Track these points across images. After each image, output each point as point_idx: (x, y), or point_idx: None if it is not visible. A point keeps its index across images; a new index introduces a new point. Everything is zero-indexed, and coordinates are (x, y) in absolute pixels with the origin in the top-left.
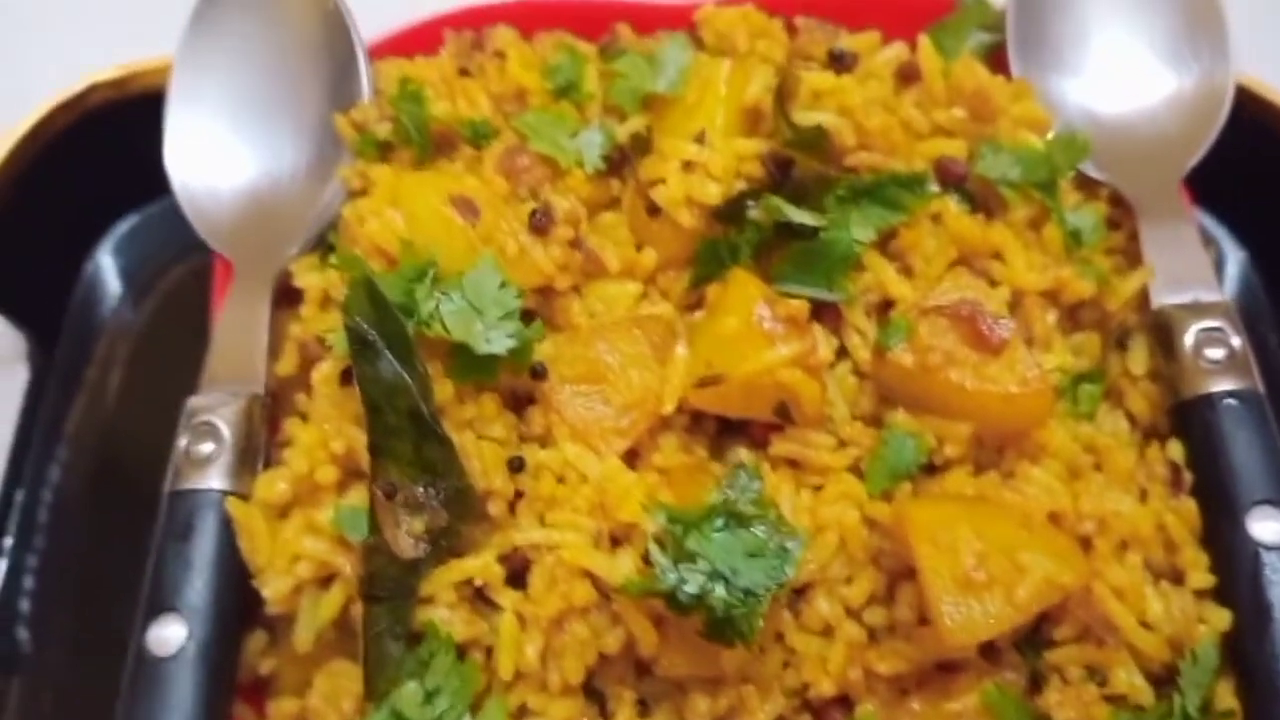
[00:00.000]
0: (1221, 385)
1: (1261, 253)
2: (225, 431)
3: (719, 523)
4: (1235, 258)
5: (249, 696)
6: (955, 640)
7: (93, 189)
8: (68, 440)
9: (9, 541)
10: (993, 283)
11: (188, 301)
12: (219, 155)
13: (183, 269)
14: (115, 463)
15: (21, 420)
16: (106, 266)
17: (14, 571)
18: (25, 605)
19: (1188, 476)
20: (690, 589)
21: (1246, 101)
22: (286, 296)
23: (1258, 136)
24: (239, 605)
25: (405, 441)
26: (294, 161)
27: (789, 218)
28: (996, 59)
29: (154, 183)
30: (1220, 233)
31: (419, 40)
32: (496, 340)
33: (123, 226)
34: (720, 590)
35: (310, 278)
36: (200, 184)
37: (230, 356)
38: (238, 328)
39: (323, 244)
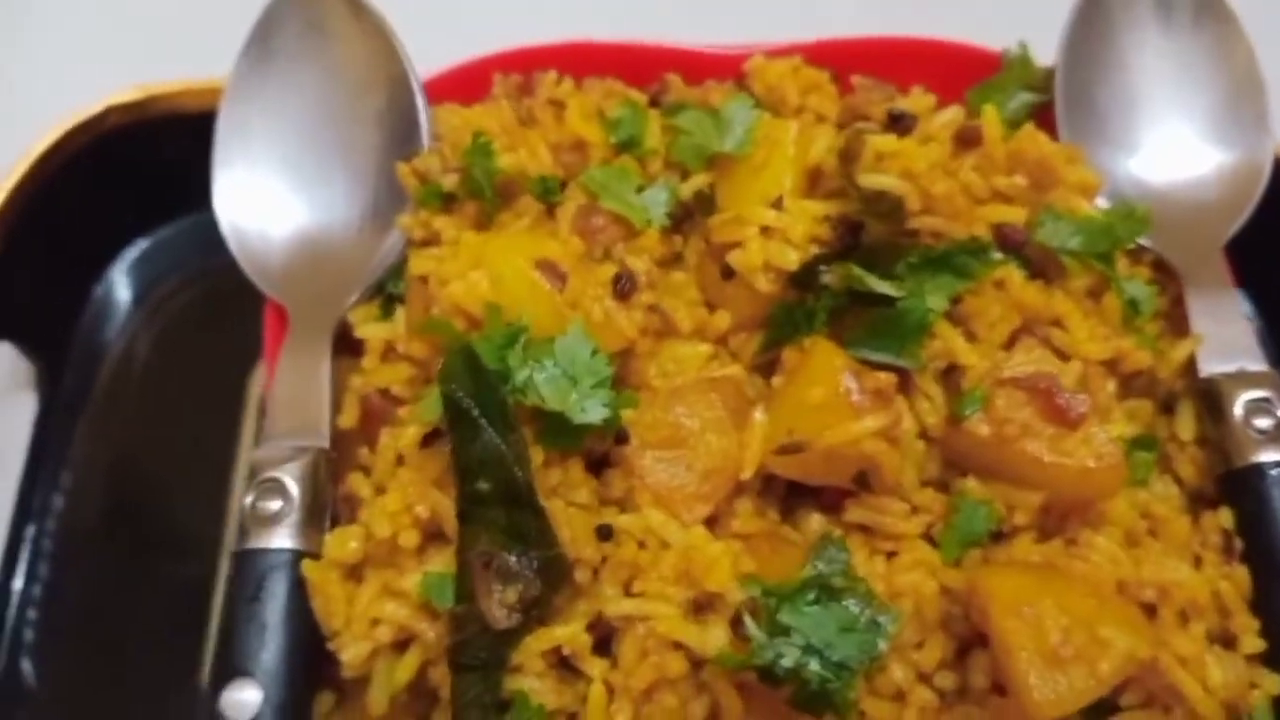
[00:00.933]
0: (1271, 455)
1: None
2: (293, 489)
3: (811, 596)
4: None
5: None
6: (1044, 714)
7: (106, 211)
8: (74, 467)
9: (17, 582)
10: (1056, 351)
11: (196, 326)
12: (271, 198)
13: (192, 293)
14: (121, 490)
15: (31, 450)
16: (116, 289)
17: (21, 604)
18: (30, 636)
19: (1239, 543)
20: (786, 663)
21: None
22: (342, 346)
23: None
24: (311, 667)
25: (498, 510)
26: (350, 207)
27: (868, 286)
28: (1040, 119)
29: (166, 205)
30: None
31: (466, 81)
32: (592, 409)
33: (133, 250)
34: (815, 664)
35: (371, 329)
36: (252, 227)
37: (292, 409)
38: (297, 379)
39: (381, 293)
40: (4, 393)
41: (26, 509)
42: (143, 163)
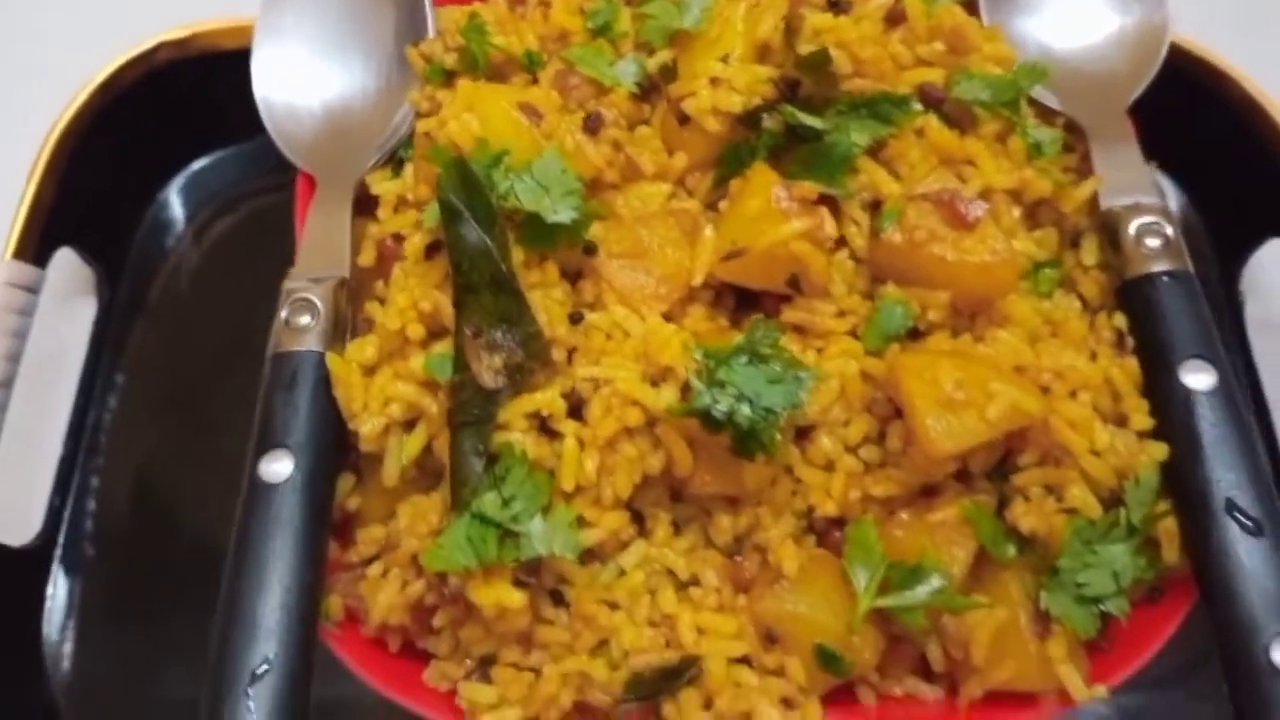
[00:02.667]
0: (1159, 266)
1: (1199, 196)
2: (320, 305)
3: (744, 358)
4: (1178, 202)
5: (336, 532)
6: (937, 449)
7: (157, 137)
8: (129, 368)
9: (81, 456)
10: (966, 183)
11: (243, 242)
12: (300, 79)
13: (238, 213)
14: (171, 390)
15: (90, 348)
16: (169, 208)
17: (83, 490)
18: (89, 523)
19: (1130, 340)
20: (721, 408)
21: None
22: (361, 205)
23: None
24: (336, 444)
25: (486, 297)
26: (367, 86)
27: (800, 121)
28: (970, 5)
29: (213, 134)
30: (1162, 179)
31: None
32: (563, 211)
33: (183, 174)
34: (746, 409)
35: (385, 185)
36: (282, 104)
37: (318, 251)
38: (323, 228)
39: (394, 159)
40: (67, 295)
41: (88, 395)
42: (191, 94)
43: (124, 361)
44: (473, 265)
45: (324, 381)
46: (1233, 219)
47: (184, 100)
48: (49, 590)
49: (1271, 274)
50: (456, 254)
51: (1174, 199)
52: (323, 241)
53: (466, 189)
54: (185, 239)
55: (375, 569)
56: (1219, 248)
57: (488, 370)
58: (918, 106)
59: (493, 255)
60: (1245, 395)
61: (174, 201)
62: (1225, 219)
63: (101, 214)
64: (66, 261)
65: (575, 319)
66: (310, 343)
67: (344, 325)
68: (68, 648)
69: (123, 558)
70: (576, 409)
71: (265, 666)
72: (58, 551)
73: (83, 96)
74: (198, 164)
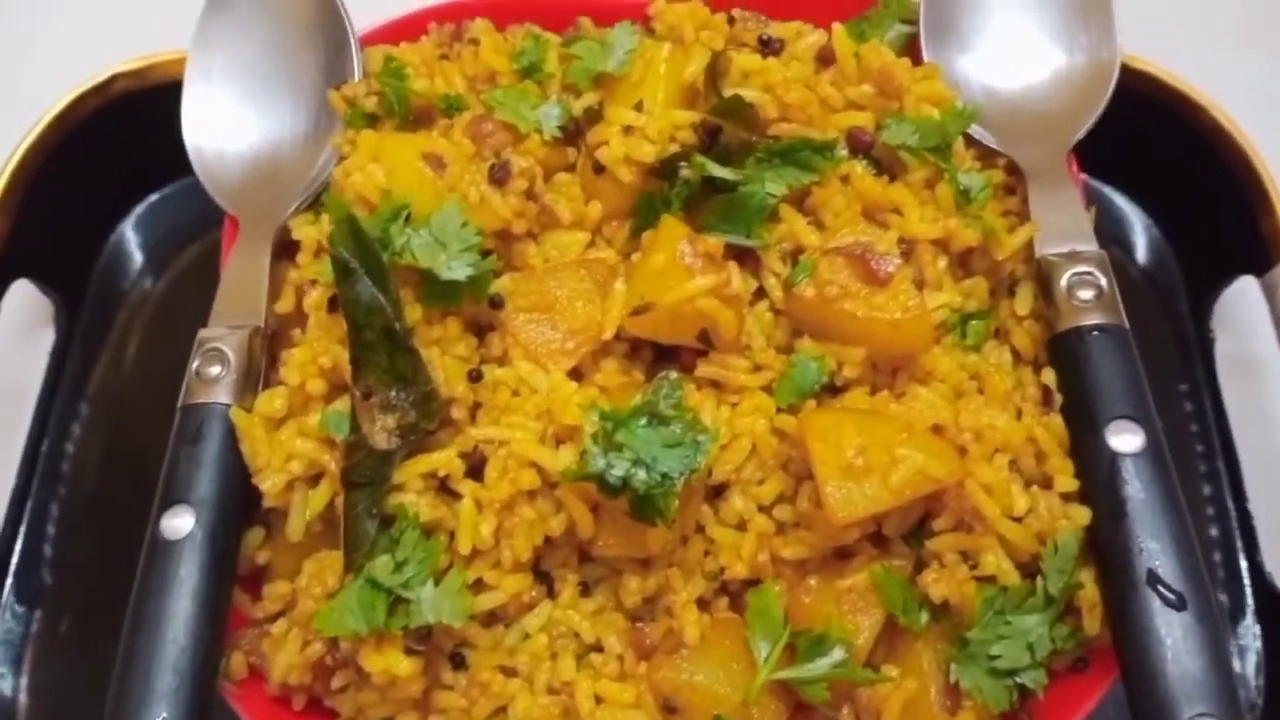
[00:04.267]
0: (1090, 320)
1: (1172, 229)
2: (231, 356)
3: (643, 420)
4: (1151, 234)
5: (247, 586)
6: (837, 517)
7: (116, 168)
8: (89, 400)
9: (35, 488)
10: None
11: (202, 274)
12: (228, 124)
13: (198, 245)
14: (131, 421)
15: (47, 378)
16: (129, 240)
17: (38, 518)
18: (48, 550)
19: (1058, 397)
20: (617, 472)
21: (1153, 87)
22: (286, 250)
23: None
24: (240, 500)
25: (381, 354)
26: (293, 131)
27: (712, 172)
28: (914, 47)
29: (172, 166)
30: (1135, 211)
31: (406, 30)
32: (458, 268)
33: (144, 205)
34: (642, 474)
35: (306, 230)
36: (211, 149)
37: (235, 297)
38: (242, 274)
39: (318, 204)
40: (26, 326)
41: (43, 424)
42: (148, 125)
43: (83, 391)
44: (367, 322)
45: (230, 434)
46: (1205, 253)
47: (143, 131)
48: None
49: (1244, 311)
50: (350, 310)
51: (1146, 232)
52: (239, 288)
53: (358, 244)
54: (145, 270)
55: (279, 627)
56: (1190, 282)
57: (380, 431)
58: (843, 152)
59: (386, 312)
60: (1214, 435)
61: (134, 232)
62: (1198, 253)
63: (60, 245)
64: (25, 292)
65: (474, 377)
66: (219, 394)
67: (256, 376)
68: (23, 680)
69: (80, 587)
70: (478, 469)
71: None
72: (9, 581)
73: (39, 128)
74: (157, 195)
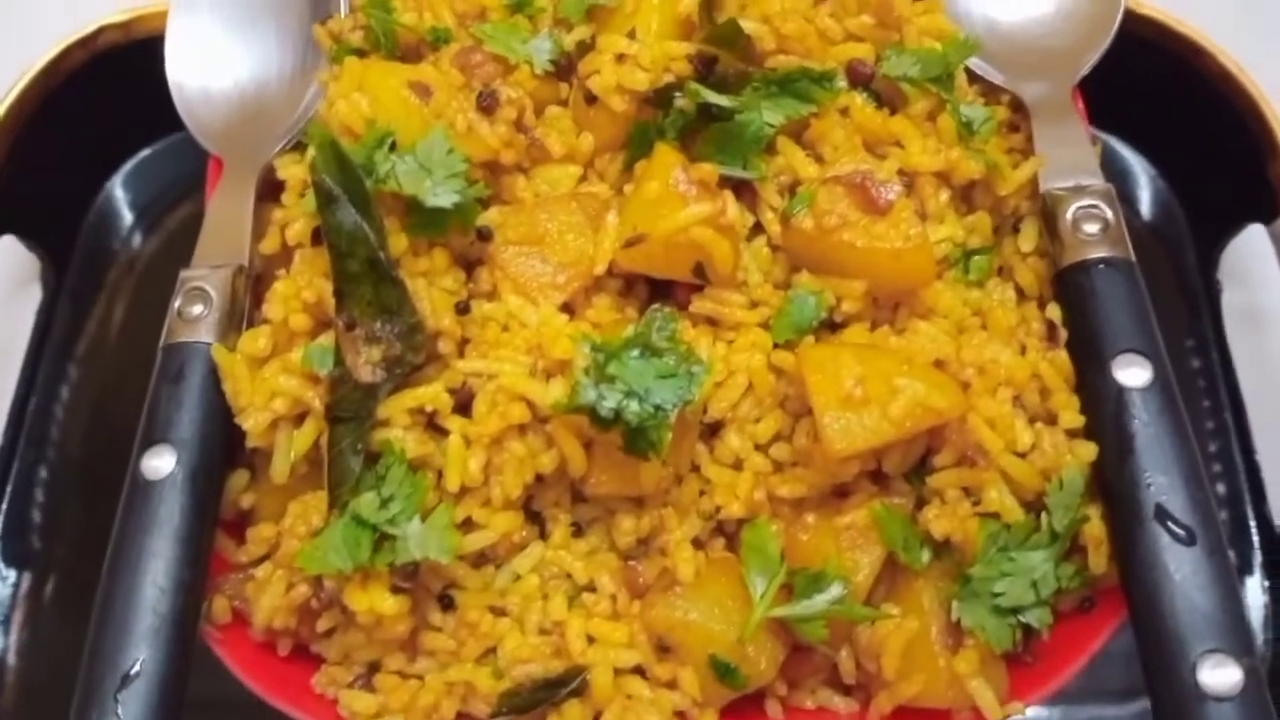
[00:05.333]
0: (1096, 253)
1: (1178, 179)
2: (213, 295)
3: (635, 352)
4: (1156, 186)
5: (232, 531)
6: (835, 449)
7: (104, 124)
8: (77, 361)
9: (22, 446)
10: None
11: (193, 233)
12: (212, 60)
13: (189, 204)
14: (119, 383)
15: (34, 338)
16: (116, 198)
17: (25, 479)
18: (35, 512)
19: (1063, 332)
20: (609, 404)
21: (1158, 33)
22: (271, 192)
23: (1160, 62)
24: (222, 440)
25: (365, 284)
26: (279, 68)
27: (708, 99)
28: None
29: (161, 121)
30: (1140, 162)
31: None
32: (443, 195)
33: (133, 161)
34: (634, 406)
35: (291, 170)
36: (194, 86)
37: (219, 237)
38: (226, 214)
39: (303, 143)
40: (12, 283)
41: (30, 384)
42: (135, 80)
43: (72, 352)
44: (349, 251)
45: (213, 374)
46: (1212, 203)
47: (131, 85)
48: None
49: (1251, 261)
50: (333, 239)
51: (1151, 183)
52: (223, 228)
53: (341, 170)
54: (134, 228)
55: (263, 570)
56: (1197, 232)
57: (365, 364)
58: (842, 84)
59: (369, 241)
60: (1222, 388)
61: (122, 189)
62: (1204, 203)
63: (47, 201)
64: (11, 249)
65: (462, 309)
66: (202, 334)
67: (240, 315)
68: (10, 639)
69: (67, 549)
70: (466, 404)
71: (136, 670)
72: None
73: (23, 82)
74: (147, 150)
